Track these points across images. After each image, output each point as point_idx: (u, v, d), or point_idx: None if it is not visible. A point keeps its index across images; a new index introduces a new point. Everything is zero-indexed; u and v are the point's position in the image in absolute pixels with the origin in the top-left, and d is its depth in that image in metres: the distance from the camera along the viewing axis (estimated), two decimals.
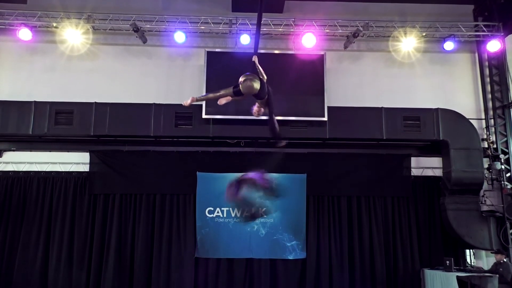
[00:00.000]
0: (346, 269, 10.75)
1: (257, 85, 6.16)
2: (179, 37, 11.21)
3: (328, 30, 11.47)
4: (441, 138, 11.04)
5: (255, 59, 6.44)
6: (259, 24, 6.81)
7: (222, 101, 6.39)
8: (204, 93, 6.34)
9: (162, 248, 10.67)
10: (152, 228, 10.81)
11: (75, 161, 11.16)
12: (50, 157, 11.19)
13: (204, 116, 10.75)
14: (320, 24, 11.40)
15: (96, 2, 11.50)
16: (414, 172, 11.46)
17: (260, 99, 6.38)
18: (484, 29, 11.64)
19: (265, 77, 6.33)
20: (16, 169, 11.09)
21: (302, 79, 10.90)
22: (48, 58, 11.55)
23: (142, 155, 11.10)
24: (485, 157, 11.26)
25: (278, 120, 10.76)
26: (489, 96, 11.87)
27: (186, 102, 6.42)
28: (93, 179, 10.94)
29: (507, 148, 11.45)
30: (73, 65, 11.54)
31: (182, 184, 11.01)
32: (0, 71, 11.49)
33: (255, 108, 6.56)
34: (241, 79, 6.22)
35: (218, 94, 6.39)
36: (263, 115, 6.62)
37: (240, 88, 6.19)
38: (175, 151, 11.17)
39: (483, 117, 11.80)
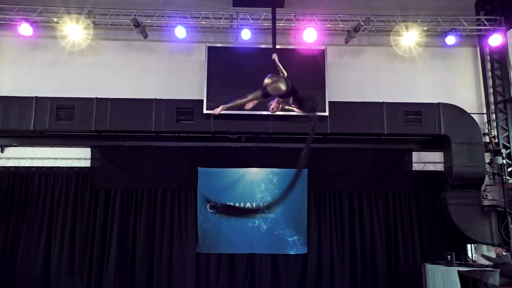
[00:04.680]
0: (347, 264, 10.77)
1: (283, 85, 6.23)
2: (180, 32, 11.19)
3: (329, 25, 11.44)
4: (442, 133, 11.03)
5: (275, 57, 6.49)
6: (274, 21, 6.86)
7: (249, 106, 6.42)
8: (234, 101, 6.39)
9: (163, 244, 10.69)
10: (153, 223, 10.83)
11: (77, 157, 11.17)
12: (51, 152, 11.20)
13: (205, 111, 10.75)
14: (321, 19, 11.38)
15: None
16: (416, 166, 11.46)
17: (285, 98, 6.41)
18: (486, 23, 11.60)
19: (285, 73, 6.42)
20: (17, 165, 11.12)
21: (303, 74, 10.86)
22: (49, 53, 11.54)
23: (143, 150, 11.10)
24: (486, 151, 11.26)
25: (279, 115, 10.86)
26: (491, 90, 11.85)
27: (216, 110, 6.43)
28: (94, 175, 10.95)
29: (508, 142, 11.44)
30: (74, 61, 11.53)
31: (183, 179, 11.02)
32: (1, 66, 11.49)
33: (273, 104, 6.58)
34: (267, 80, 6.26)
35: (247, 99, 6.33)
36: (280, 110, 6.73)
37: (269, 90, 6.22)
38: (176, 146, 11.17)
39: (485, 111, 11.78)
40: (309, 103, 6.40)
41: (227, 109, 6.50)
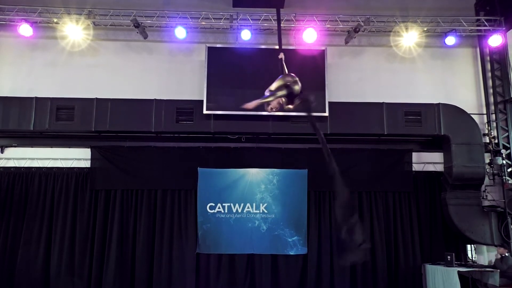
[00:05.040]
0: (347, 264, 10.76)
1: (299, 86, 6.37)
2: (180, 32, 11.19)
3: (329, 25, 11.44)
4: (442, 133, 11.03)
5: (282, 56, 6.52)
6: (279, 21, 6.88)
7: (274, 103, 6.41)
8: (265, 95, 6.45)
9: (163, 244, 10.69)
10: (153, 224, 10.82)
11: (77, 157, 11.17)
12: (51, 153, 11.20)
13: (205, 111, 10.75)
14: (321, 19, 11.37)
15: None
16: (416, 167, 11.46)
17: (293, 98, 6.46)
18: (486, 23, 11.60)
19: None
20: (17, 165, 11.11)
21: (303, 75, 10.60)
22: (48, 53, 11.54)
23: (143, 151, 11.10)
24: (486, 152, 11.25)
25: (279, 116, 10.87)
26: (491, 91, 11.85)
27: (250, 104, 6.30)
28: (94, 175, 10.95)
29: (508, 143, 11.43)
30: (74, 61, 11.53)
31: (183, 179, 11.02)
32: (1, 67, 11.49)
33: (273, 104, 6.50)
34: (283, 81, 6.39)
35: (277, 95, 6.35)
36: (279, 110, 6.68)
37: (294, 90, 6.30)
38: (176, 147, 11.17)
39: (485, 112, 11.78)
40: (305, 100, 6.43)
41: (259, 104, 6.42)
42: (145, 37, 11.40)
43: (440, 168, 11.42)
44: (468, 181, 10.81)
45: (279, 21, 7.10)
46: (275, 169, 11.11)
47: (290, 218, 10.94)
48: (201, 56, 11.25)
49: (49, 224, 10.74)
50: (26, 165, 11.10)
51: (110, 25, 11.38)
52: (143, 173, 10.98)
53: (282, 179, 11.08)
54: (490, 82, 11.89)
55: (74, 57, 11.54)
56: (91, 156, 11.06)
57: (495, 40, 11.37)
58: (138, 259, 10.60)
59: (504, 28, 11.43)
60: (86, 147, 11.15)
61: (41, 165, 11.10)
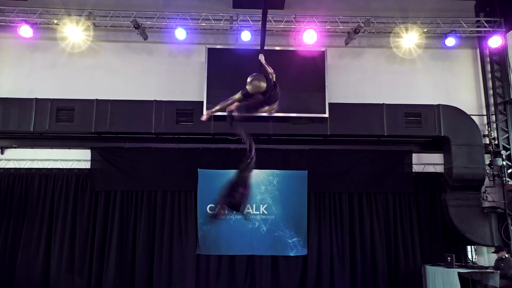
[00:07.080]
0: (347, 265, 10.76)
1: (263, 83, 6.18)
2: (180, 33, 11.20)
3: (329, 27, 11.45)
4: (442, 134, 11.03)
5: (261, 57, 6.49)
6: (264, 22, 6.84)
7: (232, 107, 6.27)
8: (217, 105, 6.50)
9: (163, 245, 10.68)
10: (153, 225, 10.82)
11: (77, 158, 11.16)
12: (51, 154, 11.20)
13: (205, 112, 10.75)
14: (321, 21, 11.38)
15: None
16: (416, 168, 11.45)
17: (269, 98, 6.34)
18: (486, 25, 11.61)
19: (273, 73, 6.43)
20: (17, 166, 11.11)
21: (303, 76, 10.90)
22: (49, 55, 11.55)
23: (143, 152, 11.10)
24: (486, 153, 11.25)
25: (279, 117, 10.83)
26: (491, 92, 11.86)
27: (204, 117, 6.64)
28: (94, 176, 10.95)
29: (508, 144, 11.44)
30: (74, 62, 11.53)
31: (183, 181, 11.01)
32: (1, 68, 11.49)
33: (231, 107, 6.34)
34: (248, 80, 6.26)
35: (229, 101, 6.31)
36: (237, 111, 6.43)
37: (248, 89, 6.20)
38: (176, 148, 11.17)
39: (485, 113, 11.79)
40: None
41: (212, 113, 6.59)
42: (145, 38, 11.41)
43: (440, 169, 11.42)
44: (468, 182, 10.81)
45: (264, 22, 6.99)
46: (275, 170, 11.11)
47: (290, 219, 10.93)
48: (201, 57, 11.26)
49: (49, 225, 10.74)
50: (26, 166, 11.10)
51: (110, 26, 11.39)
52: (143, 174, 10.98)
53: (282, 180, 11.07)
54: (490, 83, 11.90)
55: (74, 58, 11.54)
56: (91, 157, 11.06)
57: (495, 41, 11.39)
58: (138, 261, 10.60)
59: (504, 29, 11.45)
60: (86, 148, 11.14)
61: (41, 166, 11.10)
